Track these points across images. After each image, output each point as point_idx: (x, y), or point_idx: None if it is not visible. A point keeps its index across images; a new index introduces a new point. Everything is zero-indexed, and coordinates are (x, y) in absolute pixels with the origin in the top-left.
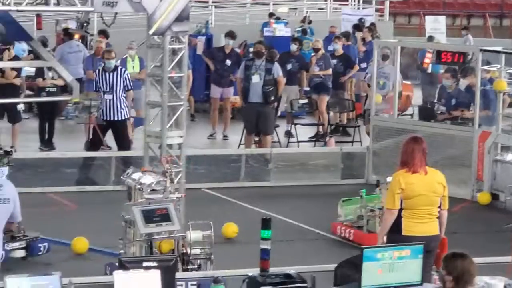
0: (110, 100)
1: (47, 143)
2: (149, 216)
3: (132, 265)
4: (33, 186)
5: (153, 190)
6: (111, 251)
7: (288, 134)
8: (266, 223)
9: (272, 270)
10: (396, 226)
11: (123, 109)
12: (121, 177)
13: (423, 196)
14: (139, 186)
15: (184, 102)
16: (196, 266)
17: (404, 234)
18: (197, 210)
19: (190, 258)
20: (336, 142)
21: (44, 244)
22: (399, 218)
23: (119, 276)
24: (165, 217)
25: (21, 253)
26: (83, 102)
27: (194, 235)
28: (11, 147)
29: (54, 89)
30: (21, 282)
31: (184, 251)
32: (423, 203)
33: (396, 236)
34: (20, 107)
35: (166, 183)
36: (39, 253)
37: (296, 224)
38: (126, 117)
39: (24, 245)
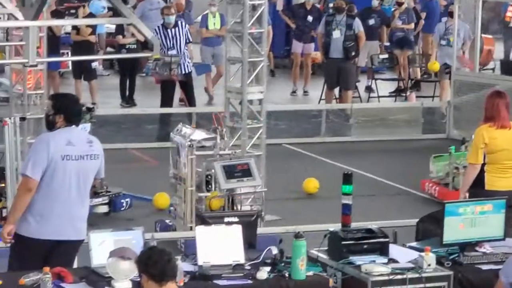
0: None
1: (128, 99)
2: (230, 172)
3: (214, 220)
4: (115, 142)
5: (202, 146)
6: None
7: (369, 89)
8: (347, 178)
9: (354, 225)
10: (479, 181)
11: (189, 62)
12: (171, 133)
13: (506, 150)
14: (189, 143)
15: (264, 58)
16: None
17: (487, 188)
18: (278, 165)
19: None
20: (417, 97)
21: (127, 199)
22: (482, 173)
23: (200, 231)
24: (246, 172)
25: (104, 209)
26: (163, 59)
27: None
28: (93, 104)
29: (135, 46)
30: (105, 237)
31: (234, 208)
32: (507, 158)
33: (479, 190)
34: (95, 64)
35: (216, 140)
36: (122, 209)
37: (378, 179)
38: (190, 70)
39: (107, 201)
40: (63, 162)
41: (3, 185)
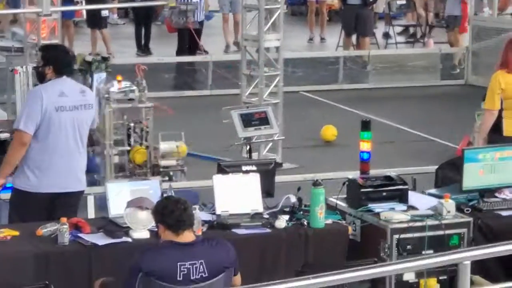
0: None
1: (143, 48)
2: (248, 120)
3: (231, 169)
4: None
5: (130, 99)
6: (209, 155)
7: (386, 35)
8: (366, 125)
9: (372, 172)
10: (497, 127)
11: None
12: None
13: None
14: (106, 95)
15: (281, 5)
16: (167, 178)
17: (505, 135)
18: (296, 113)
19: (161, 169)
20: (435, 42)
21: None
22: (499, 118)
23: (218, 180)
24: (263, 120)
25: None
26: (179, 7)
27: (166, 145)
28: (109, 53)
29: None
30: (122, 187)
31: (156, 163)
32: None
33: (497, 137)
34: (105, 12)
35: (135, 92)
36: None
37: (396, 126)
38: (203, 19)
39: None
40: (57, 114)
41: None
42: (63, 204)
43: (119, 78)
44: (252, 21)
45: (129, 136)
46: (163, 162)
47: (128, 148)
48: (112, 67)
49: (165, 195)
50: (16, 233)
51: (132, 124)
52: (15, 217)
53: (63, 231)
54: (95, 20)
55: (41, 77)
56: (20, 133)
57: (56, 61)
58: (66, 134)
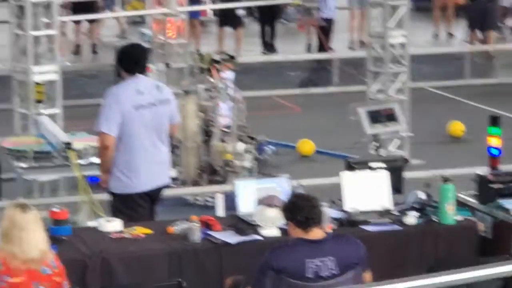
0: None
1: (269, 46)
2: (375, 117)
3: (359, 166)
4: (258, 90)
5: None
6: (337, 153)
7: None
8: (494, 120)
9: (502, 168)
10: None
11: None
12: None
13: None
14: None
15: (406, 1)
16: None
17: None
18: (422, 109)
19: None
20: None
21: (270, 147)
22: None
23: (346, 177)
24: (390, 117)
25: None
26: (304, 4)
27: (242, 145)
28: (235, 53)
29: None
30: (250, 185)
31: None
32: None
33: None
34: (239, 12)
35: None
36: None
37: None
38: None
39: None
40: (136, 112)
41: None
42: (155, 199)
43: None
44: (377, 18)
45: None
46: (237, 162)
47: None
48: (238, 65)
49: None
50: (149, 231)
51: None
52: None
53: (194, 228)
54: (229, 19)
55: (118, 77)
56: (104, 135)
57: (125, 61)
58: (147, 131)
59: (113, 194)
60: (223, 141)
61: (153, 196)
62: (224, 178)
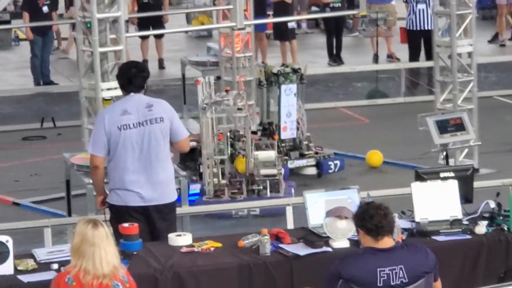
0: (423, 9)
1: (335, 57)
2: (444, 126)
3: (429, 176)
4: (325, 101)
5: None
6: (406, 163)
7: None
8: None
9: None
10: None
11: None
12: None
13: None
14: (204, 105)
15: (473, 10)
16: (261, 187)
17: None
18: (490, 118)
19: (257, 179)
20: None
21: (336, 162)
22: None
23: (417, 187)
24: (459, 126)
25: (312, 171)
26: (369, 15)
27: (265, 155)
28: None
29: (339, 4)
30: (319, 197)
31: (252, 172)
32: None
33: None
34: (291, 24)
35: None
36: (329, 171)
37: None
38: None
39: (313, 163)
40: (121, 132)
41: None
42: (157, 217)
43: (227, 88)
44: (444, 27)
45: (231, 145)
46: (262, 171)
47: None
48: (305, 77)
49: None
50: (219, 244)
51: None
52: (115, 232)
53: (264, 242)
54: (282, 32)
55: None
56: (91, 156)
57: (120, 80)
58: (134, 151)
59: (110, 205)
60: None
61: (150, 215)
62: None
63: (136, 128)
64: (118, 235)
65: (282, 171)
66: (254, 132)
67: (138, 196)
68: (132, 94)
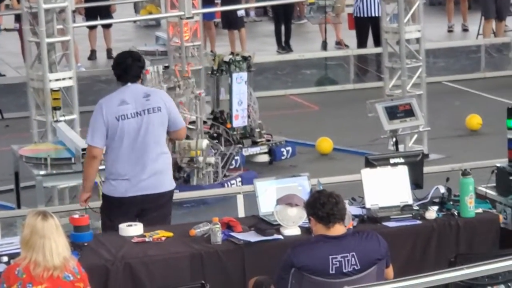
0: None
1: (284, 45)
2: (393, 112)
3: (379, 162)
4: (274, 89)
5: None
6: (356, 150)
7: None
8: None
9: None
10: None
11: None
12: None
13: None
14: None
15: None
16: (185, 175)
17: None
18: (439, 103)
19: (183, 165)
20: None
21: (288, 148)
22: None
23: (367, 174)
24: (408, 112)
25: (264, 158)
26: (317, 2)
27: (194, 143)
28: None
29: None
30: (270, 185)
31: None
32: None
33: None
34: (241, 12)
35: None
36: (282, 158)
37: None
38: None
39: (266, 150)
40: (119, 123)
41: None
42: (150, 207)
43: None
44: (392, 13)
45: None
46: (185, 160)
47: None
48: (253, 65)
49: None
50: (170, 234)
51: None
52: (107, 222)
53: (215, 230)
54: (230, 21)
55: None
56: (89, 147)
57: (115, 70)
58: (131, 141)
59: (103, 196)
60: (188, 137)
61: (144, 204)
62: (188, 175)
63: (134, 118)
64: (106, 227)
65: (213, 160)
66: (203, 122)
67: (133, 185)
68: (129, 84)
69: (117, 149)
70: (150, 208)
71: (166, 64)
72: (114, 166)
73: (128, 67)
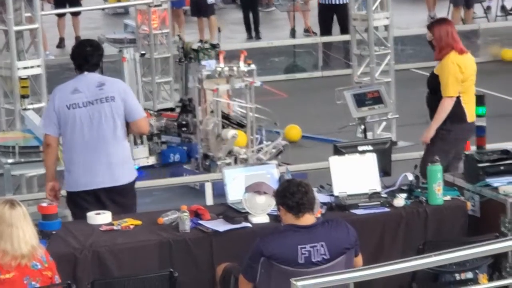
0: None
1: (254, 32)
2: (361, 100)
3: (347, 150)
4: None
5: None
6: (324, 137)
7: (504, 9)
8: (480, 100)
9: (489, 147)
10: (458, 115)
11: None
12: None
13: (473, 77)
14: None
15: None
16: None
17: (470, 120)
18: (407, 91)
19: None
20: None
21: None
22: (459, 105)
23: (335, 161)
24: (377, 99)
25: None
26: None
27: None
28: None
29: None
30: (238, 173)
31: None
32: (473, 84)
33: (462, 125)
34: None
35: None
36: None
37: (510, 99)
38: None
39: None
40: (70, 111)
41: None
42: (109, 199)
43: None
44: (359, 0)
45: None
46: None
47: None
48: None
49: (283, 178)
50: (139, 222)
51: None
52: (74, 216)
53: (184, 218)
54: (200, 8)
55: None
56: (44, 135)
57: (73, 58)
58: (83, 130)
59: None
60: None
61: (102, 197)
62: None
63: (86, 107)
64: (74, 217)
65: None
66: (172, 109)
67: (86, 178)
68: (85, 73)
69: (70, 139)
70: (108, 202)
71: (143, 52)
72: (68, 156)
73: (88, 56)
